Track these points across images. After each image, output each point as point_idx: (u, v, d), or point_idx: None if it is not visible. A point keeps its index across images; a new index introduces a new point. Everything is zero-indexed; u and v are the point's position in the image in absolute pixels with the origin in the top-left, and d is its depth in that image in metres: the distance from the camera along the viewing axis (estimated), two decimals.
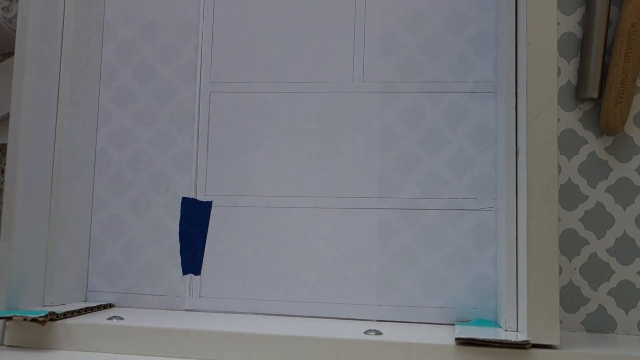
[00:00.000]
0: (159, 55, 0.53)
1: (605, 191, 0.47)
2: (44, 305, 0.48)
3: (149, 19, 0.53)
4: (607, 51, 0.48)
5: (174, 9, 0.53)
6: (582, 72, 0.48)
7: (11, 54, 0.57)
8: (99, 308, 0.49)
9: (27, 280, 0.47)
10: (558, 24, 0.48)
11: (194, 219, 0.51)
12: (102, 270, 0.52)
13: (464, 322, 0.46)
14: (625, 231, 0.47)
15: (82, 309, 0.47)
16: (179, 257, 0.51)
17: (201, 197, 0.51)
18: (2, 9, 0.58)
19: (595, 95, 0.48)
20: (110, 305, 0.51)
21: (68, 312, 0.45)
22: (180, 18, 0.53)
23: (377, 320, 0.48)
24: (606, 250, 0.47)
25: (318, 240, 0.49)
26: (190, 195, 0.51)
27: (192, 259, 0.51)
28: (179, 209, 0.51)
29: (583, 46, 0.49)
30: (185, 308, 0.50)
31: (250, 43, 0.52)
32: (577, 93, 0.49)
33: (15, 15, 0.58)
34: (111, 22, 0.54)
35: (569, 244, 0.47)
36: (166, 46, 0.53)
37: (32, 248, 0.47)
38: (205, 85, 0.52)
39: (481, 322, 0.45)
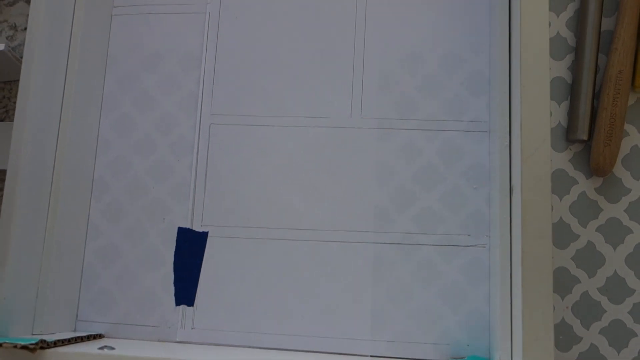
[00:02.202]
0: (161, 86, 0.54)
1: (595, 230, 0.48)
2: (33, 334, 0.47)
3: (152, 50, 0.54)
4: (596, 95, 0.50)
5: (178, 42, 0.54)
6: (572, 114, 0.50)
7: (15, 81, 0.58)
8: (88, 338, 0.48)
9: (17, 307, 0.46)
10: (550, 68, 0.50)
11: (190, 249, 0.51)
12: (93, 300, 0.51)
13: (458, 358, 0.46)
14: (615, 270, 0.48)
15: (72, 338, 0.46)
16: (173, 288, 0.50)
17: (197, 228, 0.51)
18: (7, 38, 0.59)
19: (585, 137, 0.49)
20: (100, 336, 0.50)
21: (58, 340, 0.44)
22: (183, 51, 0.54)
23: (371, 356, 0.48)
24: (597, 289, 0.48)
25: (313, 273, 0.49)
26: (187, 225, 0.51)
27: (185, 290, 0.50)
28: (175, 239, 0.51)
29: (573, 90, 0.51)
30: (177, 340, 0.50)
31: (251, 77, 0.53)
32: (567, 135, 0.50)
33: (19, 44, 0.59)
34: (115, 52, 0.55)
35: (561, 282, 0.48)
36: (168, 77, 0.54)
37: (24, 274, 0.47)
38: (206, 116, 0.53)
39: (475, 359, 0.45)
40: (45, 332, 0.48)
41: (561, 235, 0.49)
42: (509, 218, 0.44)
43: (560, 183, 0.49)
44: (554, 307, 0.48)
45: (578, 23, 0.52)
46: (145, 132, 0.53)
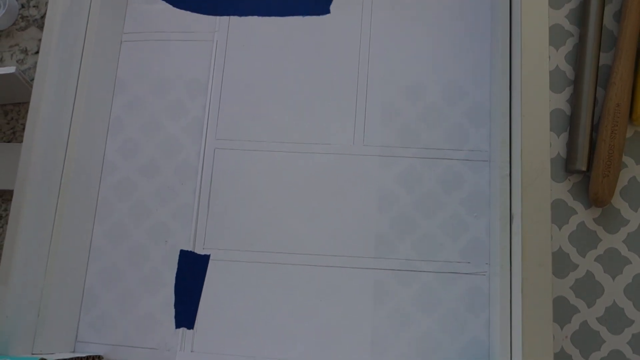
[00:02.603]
0: (167, 111, 0.55)
1: (594, 260, 0.49)
2: (32, 353, 0.47)
3: (160, 76, 0.56)
4: (595, 128, 0.51)
5: (185, 68, 0.55)
6: (571, 145, 0.51)
7: (24, 103, 0.59)
8: (87, 359, 0.48)
9: (18, 326, 0.46)
10: (549, 100, 0.51)
11: (191, 272, 0.51)
12: (93, 321, 0.51)
13: None
14: (614, 300, 0.48)
15: (71, 359, 0.46)
16: (173, 310, 0.51)
17: (199, 251, 0.52)
18: (17, 61, 0.60)
19: (584, 168, 0.50)
20: (99, 357, 0.50)
21: None
22: (190, 77, 0.55)
23: None
24: (596, 319, 0.48)
25: (313, 297, 0.50)
26: (189, 248, 0.52)
27: (186, 313, 0.50)
28: (177, 262, 0.52)
29: (572, 122, 0.52)
30: None
31: (256, 103, 0.54)
32: (566, 165, 0.51)
33: (29, 68, 0.60)
34: (123, 77, 0.56)
35: (561, 311, 0.48)
36: (175, 103, 0.55)
37: (26, 293, 0.47)
38: (211, 141, 0.54)
39: None
40: (45, 352, 0.48)
41: (560, 264, 0.49)
42: (509, 246, 0.44)
43: (559, 213, 0.50)
44: (553, 337, 0.48)
45: (577, 57, 0.53)
46: (151, 155, 0.54)
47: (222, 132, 0.54)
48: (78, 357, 0.47)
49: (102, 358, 0.50)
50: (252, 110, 0.54)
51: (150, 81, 0.56)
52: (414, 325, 0.48)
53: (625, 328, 0.48)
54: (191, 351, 0.50)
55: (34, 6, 0.62)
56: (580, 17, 0.54)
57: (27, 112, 0.49)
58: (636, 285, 0.48)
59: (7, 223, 0.51)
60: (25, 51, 0.61)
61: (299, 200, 0.52)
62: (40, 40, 0.54)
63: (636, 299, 0.48)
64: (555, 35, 0.54)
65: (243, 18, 0.56)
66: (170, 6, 0.57)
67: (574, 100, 0.52)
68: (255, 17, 0.56)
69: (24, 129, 0.49)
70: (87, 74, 0.52)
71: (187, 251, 0.52)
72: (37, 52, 0.59)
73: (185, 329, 0.50)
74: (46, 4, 0.50)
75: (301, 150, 0.53)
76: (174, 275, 0.51)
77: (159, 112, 0.55)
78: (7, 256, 0.46)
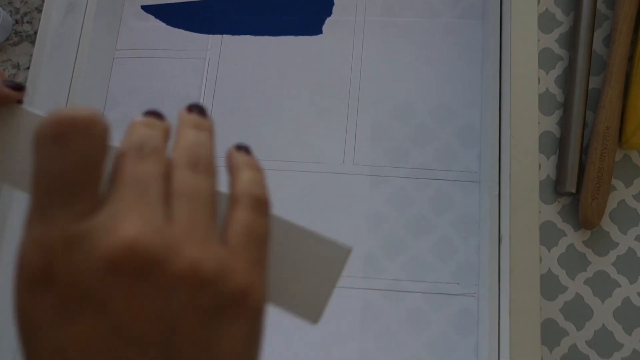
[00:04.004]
0: None
1: (584, 283, 0.49)
2: None
3: (152, 93, 0.56)
4: (584, 150, 0.51)
5: (177, 86, 0.56)
6: (560, 168, 0.51)
7: None
8: None
9: (7, 331, 0.45)
10: (539, 122, 0.52)
11: None
12: None
13: None
14: (604, 324, 0.48)
15: None
16: None
17: None
18: (9, 76, 0.60)
19: (574, 190, 0.50)
20: None
21: None
22: (182, 94, 0.55)
23: None
24: (586, 342, 0.47)
25: None
26: None
27: None
28: None
29: (561, 145, 0.52)
30: None
31: (247, 122, 0.54)
32: (556, 187, 0.51)
33: None
34: (115, 93, 0.56)
35: (549, 334, 0.48)
36: None
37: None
38: None
39: None
40: None
41: (549, 286, 0.49)
42: (497, 268, 0.44)
43: (548, 235, 0.50)
44: (542, 359, 0.47)
45: (567, 80, 0.53)
46: None
47: None
48: None
49: None
50: (242, 129, 0.54)
51: (142, 98, 0.56)
52: (402, 347, 0.48)
53: (614, 352, 0.47)
54: None
55: (27, 22, 0.62)
56: (570, 41, 0.54)
57: None
58: (625, 308, 0.48)
59: None
60: (17, 66, 0.61)
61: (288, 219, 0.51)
62: (32, 55, 0.54)
63: (625, 322, 0.48)
64: (545, 59, 0.54)
65: (236, 37, 0.57)
66: (163, 24, 0.58)
67: (564, 123, 0.52)
68: (248, 36, 0.57)
69: None
70: (78, 90, 0.52)
71: None
72: (29, 67, 0.59)
73: None
74: (39, 19, 0.50)
75: (291, 168, 0.53)
76: None
77: None
78: None
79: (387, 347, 0.48)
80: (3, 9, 0.60)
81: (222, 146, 0.53)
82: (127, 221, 0.20)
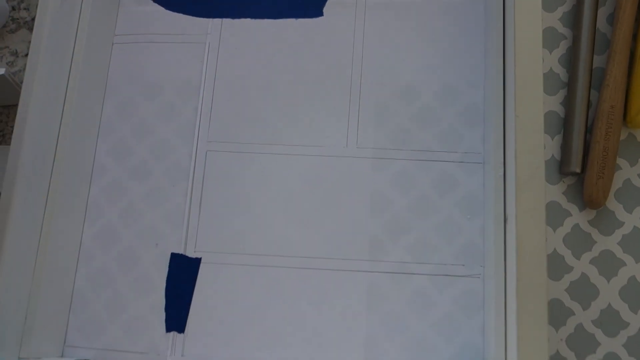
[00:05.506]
0: (159, 114, 0.54)
1: (589, 263, 0.49)
2: (19, 358, 0.46)
3: (151, 78, 0.55)
4: (589, 130, 0.51)
5: (177, 71, 0.55)
6: (565, 148, 0.51)
7: (13, 105, 0.58)
8: None
9: (5, 330, 0.45)
10: (543, 102, 0.51)
11: (182, 275, 0.50)
12: (81, 325, 0.50)
13: None
14: (610, 303, 0.48)
15: None
16: (164, 314, 0.50)
17: (190, 254, 0.51)
18: (7, 63, 0.60)
19: (578, 170, 0.50)
20: None
21: None
22: (182, 79, 0.55)
23: None
24: (592, 321, 0.47)
25: (306, 301, 0.49)
26: (180, 251, 0.51)
27: (176, 316, 0.50)
28: (167, 265, 0.51)
29: (566, 124, 0.51)
30: None
31: (249, 106, 0.54)
32: (561, 167, 0.51)
33: (19, 70, 0.59)
34: (115, 80, 0.56)
35: (556, 313, 0.48)
36: (166, 105, 0.54)
37: (14, 296, 0.46)
38: (203, 144, 0.53)
39: None
40: (32, 356, 0.47)
41: (555, 266, 0.48)
42: (503, 248, 0.44)
43: (554, 215, 0.50)
44: (549, 339, 0.47)
45: (570, 60, 0.53)
46: (142, 158, 0.53)
47: (214, 134, 0.53)
48: None
49: None
50: (244, 113, 0.54)
51: (142, 83, 0.55)
52: (408, 329, 0.48)
53: (620, 330, 0.47)
54: (182, 355, 0.49)
55: (24, 8, 0.61)
56: (574, 20, 0.54)
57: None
58: (631, 287, 0.48)
59: None
60: (15, 53, 0.60)
61: (292, 203, 0.51)
62: (30, 42, 0.53)
63: (631, 301, 0.48)
64: (549, 38, 0.54)
65: (236, 20, 0.56)
66: (162, 8, 0.57)
67: (568, 103, 0.52)
68: (248, 19, 0.56)
69: (13, 131, 0.49)
70: (77, 76, 0.52)
71: (178, 254, 0.51)
72: (27, 55, 0.58)
73: (175, 332, 0.49)
74: (37, 6, 0.50)
75: (294, 152, 0.52)
76: (165, 278, 0.51)
77: (150, 115, 0.54)
78: None
79: (393, 329, 0.48)
80: None
81: (225, 131, 0.53)
82: None
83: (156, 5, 0.57)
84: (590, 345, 0.47)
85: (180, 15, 0.57)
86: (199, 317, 0.49)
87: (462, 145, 0.51)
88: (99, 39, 0.55)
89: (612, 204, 0.50)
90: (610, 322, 0.47)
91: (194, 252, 0.51)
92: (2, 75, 0.54)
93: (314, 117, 0.53)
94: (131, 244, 0.52)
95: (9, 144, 0.56)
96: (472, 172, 0.50)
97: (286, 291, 0.49)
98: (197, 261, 0.51)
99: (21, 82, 0.56)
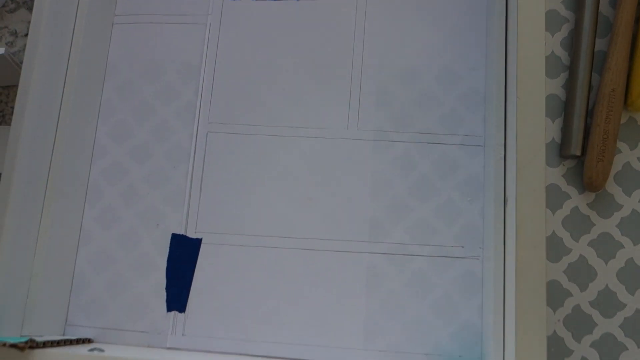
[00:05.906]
0: (159, 95, 0.54)
1: (587, 245, 0.49)
2: (21, 335, 0.47)
3: (152, 59, 0.55)
4: (589, 113, 0.51)
5: (178, 52, 0.55)
6: (565, 131, 0.51)
7: (13, 86, 0.58)
8: (77, 342, 0.48)
9: (6, 309, 0.45)
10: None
11: (183, 255, 0.51)
12: (83, 304, 0.51)
13: None
14: (607, 285, 0.48)
15: (61, 341, 0.46)
16: (164, 294, 0.50)
17: (191, 234, 0.51)
18: (7, 43, 0.59)
19: (578, 153, 0.50)
20: (89, 340, 0.49)
21: (48, 341, 0.44)
22: (183, 60, 0.55)
23: None
24: (589, 302, 0.48)
25: (306, 281, 0.49)
26: (181, 232, 0.51)
27: (177, 296, 0.50)
28: (168, 245, 0.51)
29: (567, 108, 0.51)
30: (167, 346, 0.49)
31: (250, 87, 0.54)
32: (561, 150, 0.51)
33: (19, 50, 0.59)
34: (115, 61, 0.56)
35: (554, 295, 0.48)
36: (167, 87, 0.54)
37: (15, 276, 0.46)
38: (203, 125, 0.53)
39: None
40: (34, 334, 0.47)
41: (554, 248, 0.49)
42: (502, 230, 0.44)
43: (553, 197, 0.50)
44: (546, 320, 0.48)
45: (572, 43, 0.53)
46: (142, 139, 0.53)
47: (215, 116, 0.53)
48: (67, 340, 0.47)
49: (92, 341, 0.50)
50: (245, 94, 0.53)
51: (142, 64, 0.55)
52: (407, 310, 0.48)
53: (617, 311, 0.48)
54: (182, 335, 0.49)
55: None
56: (576, 3, 0.54)
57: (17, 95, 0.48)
58: (629, 269, 0.48)
59: None
60: (14, 33, 0.60)
61: (293, 184, 0.51)
62: (29, 22, 0.53)
63: (629, 282, 0.48)
64: (551, 21, 0.53)
65: (237, 1, 0.56)
66: None
67: (569, 86, 0.52)
68: (250, 0, 0.56)
69: (13, 112, 0.49)
70: (77, 57, 0.52)
71: (179, 235, 0.51)
72: (27, 35, 0.58)
73: (176, 312, 0.50)
74: None
75: (295, 134, 0.52)
76: (165, 259, 0.51)
77: (150, 96, 0.54)
78: None
79: (392, 310, 0.48)
80: None
81: (226, 113, 0.53)
82: None
83: None
84: (587, 326, 0.47)
85: None
86: (200, 297, 0.50)
87: (463, 127, 0.51)
88: (99, 19, 0.55)
89: (611, 187, 0.50)
90: (608, 303, 0.48)
91: (195, 232, 0.51)
92: (2, 55, 0.54)
93: (315, 99, 0.53)
94: (132, 224, 0.52)
95: (9, 125, 0.56)
96: (472, 155, 0.51)
97: (286, 272, 0.50)
98: (197, 242, 0.51)
99: (21, 63, 0.55)
